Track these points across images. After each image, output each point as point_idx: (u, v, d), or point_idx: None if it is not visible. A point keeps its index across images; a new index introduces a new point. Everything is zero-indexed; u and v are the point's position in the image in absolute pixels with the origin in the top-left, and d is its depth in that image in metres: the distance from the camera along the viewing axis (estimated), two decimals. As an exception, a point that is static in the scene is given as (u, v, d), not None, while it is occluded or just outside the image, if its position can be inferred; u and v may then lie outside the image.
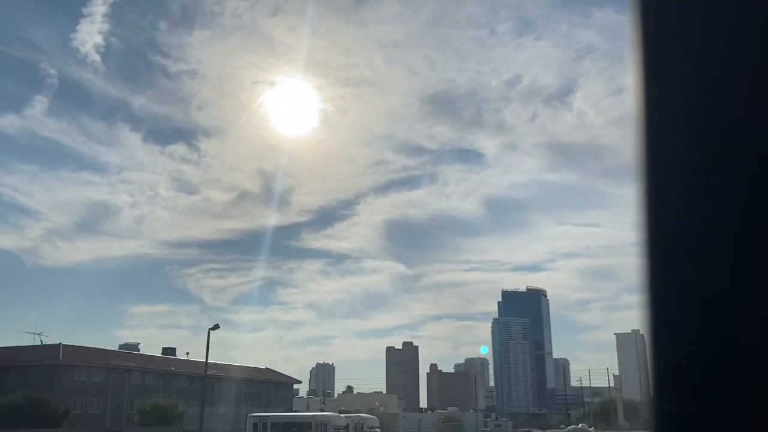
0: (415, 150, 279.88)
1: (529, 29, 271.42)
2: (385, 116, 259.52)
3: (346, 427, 51.61)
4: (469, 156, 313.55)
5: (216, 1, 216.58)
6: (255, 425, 51.87)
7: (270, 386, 75.53)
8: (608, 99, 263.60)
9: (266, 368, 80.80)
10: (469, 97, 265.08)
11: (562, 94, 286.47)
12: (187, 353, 73.23)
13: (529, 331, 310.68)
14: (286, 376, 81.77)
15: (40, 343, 61.10)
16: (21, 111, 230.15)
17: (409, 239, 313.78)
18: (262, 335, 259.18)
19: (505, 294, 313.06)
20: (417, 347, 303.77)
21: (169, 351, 72.74)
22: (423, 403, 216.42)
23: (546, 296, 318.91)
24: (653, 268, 1.02)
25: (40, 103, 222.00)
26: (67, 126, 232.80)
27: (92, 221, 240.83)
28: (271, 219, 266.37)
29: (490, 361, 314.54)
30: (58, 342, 59.49)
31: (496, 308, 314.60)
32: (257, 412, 57.27)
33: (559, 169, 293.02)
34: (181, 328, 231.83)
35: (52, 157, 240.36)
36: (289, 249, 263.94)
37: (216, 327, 43.93)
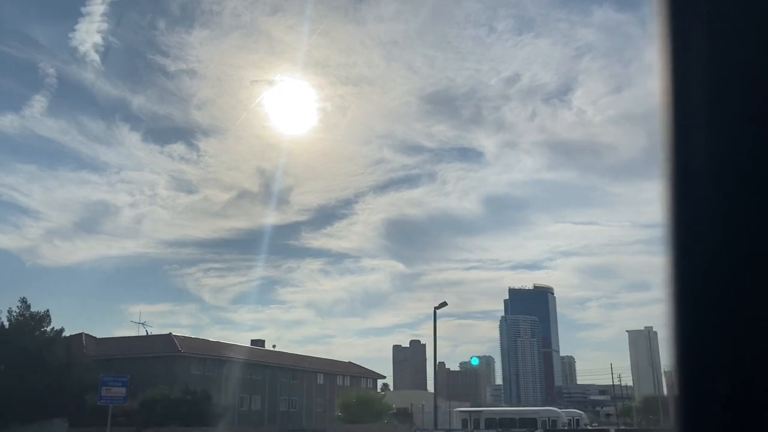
0: (415, 149, 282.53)
1: (528, 27, 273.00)
2: (385, 115, 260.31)
3: (570, 423, 48.41)
4: (468, 154, 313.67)
5: (215, 0, 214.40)
6: (464, 421, 48.23)
7: (357, 381, 72.46)
8: (607, 97, 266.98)
9: (349, 362, 77.75)
10: (469, 96, 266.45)
11: (561, 93, 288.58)
12: (273, 346, 69.98)
13: (537, 328, 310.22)
14: (370, 370, 78.73)
15: (146, 334, 57.49)
16: (20, 110, 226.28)
17: (409, 238, 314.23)
18: (262, 334, 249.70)
19: (512, 292, 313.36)
20: (424, 345, 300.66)
21: (258, 344, 69.20)
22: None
23: (553, 293, 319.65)
24: (678, 267, 1.01)
25: (39, 102, 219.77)
26: (66, 125, 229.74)
27: (91, 221, 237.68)
28: (271, 218, 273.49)
29: (497, 359, 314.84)
30: (167, 332, 56.09)
31: (495, 306, 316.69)
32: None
33: (558, 168, 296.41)
34: (180, 327, 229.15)
35: (51, 156, 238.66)
36: (289, 248, 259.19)
37: (443, 305, 40.13)
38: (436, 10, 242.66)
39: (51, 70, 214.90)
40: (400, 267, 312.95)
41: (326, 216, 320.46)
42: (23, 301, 42.88)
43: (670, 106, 1.04)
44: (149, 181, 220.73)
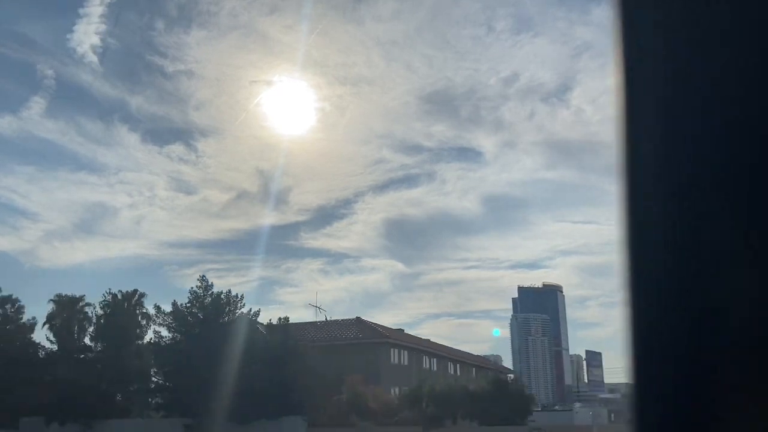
0: (414, 148, 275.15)
1: (526, 27, 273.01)
2: (384, 115, 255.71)
3: None
4: (467, 154, 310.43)
5: (212, 1, 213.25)
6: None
7: (486, 373, 67.67)
8: (606, 96, 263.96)
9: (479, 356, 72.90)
10: (467, 95, 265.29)
11: (560, 92, 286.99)
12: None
13: (548, 327, 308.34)
14: (504, 366, 73.93)
15: (324, 319, 51.72)
16: (18, 112, 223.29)
17: (408, 238, 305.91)
18: None
19: (521, 290, 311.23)
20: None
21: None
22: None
23: (561, 292, 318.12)
24: (633, 267, 1.02)
25: (37, 104, 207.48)
26: (65, 127, 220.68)
27: (90, 222, 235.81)
28: (270, 218, 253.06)
29: (506, 357, 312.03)
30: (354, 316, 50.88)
31: (495, 306, 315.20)
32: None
33: (557, 167, 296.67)
34: None
35: (50, 158, 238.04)
36: (288, 248, 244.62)
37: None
38: (435, 10, 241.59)
39: (49, 72, 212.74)
40: (400, 267, 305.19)
41: (326, 216, 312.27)
42: (202, 279, 38.47)
43: (623, 108, 1.05)
44: (148, 182, 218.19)
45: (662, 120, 1.01)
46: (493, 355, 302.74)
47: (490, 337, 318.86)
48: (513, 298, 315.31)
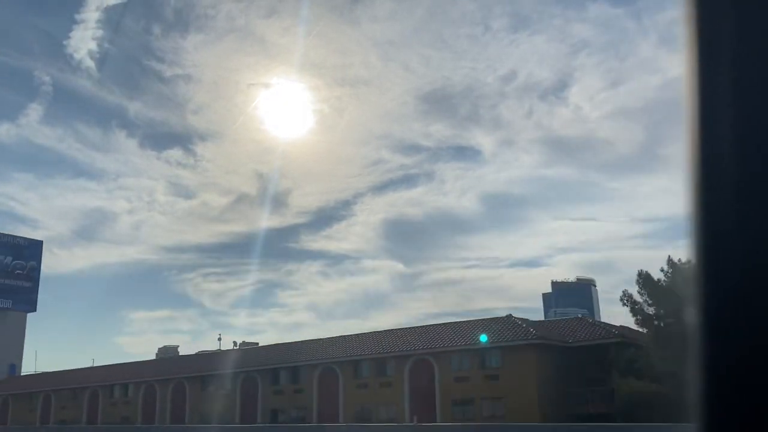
0: (412, 148, 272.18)
1: (523, 25, 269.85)
2: (382, 115, 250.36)
3: None
4: (465, 153, 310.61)
5: (209, 4, 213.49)
6: None
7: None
8: (604, 93, 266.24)
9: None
10: (465, 95, 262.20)
11: (558, 89, 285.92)
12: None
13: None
14: None
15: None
16: (16, 119, 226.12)
17: (408, 238, 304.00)
18: (263, 338, 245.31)
19: (555, 284, 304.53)
20: None
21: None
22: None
23: (595, 286, 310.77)
24: (706, 271, 1.01)
25: (35, 111, 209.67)
26: (63, 133, 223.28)
27: (90, 228, 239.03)
28: (269, 221, 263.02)
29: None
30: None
31: (495, 304, 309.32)
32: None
33: (555, 164, 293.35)
34: (181, 333, 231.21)
35: (48, 164, 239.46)
36: (288, 251, 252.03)
37: None
38: (432, 9, 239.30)
39: (46, 78, 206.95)
40: (400, 267, 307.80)
41: (325, 218, 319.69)
42: None
43: (695, 100, 1.03)
44: (147, 187, 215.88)
45: (737, 119, 0.99)
46: None
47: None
48: (544, 294, 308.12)
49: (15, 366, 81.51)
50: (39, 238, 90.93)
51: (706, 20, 1.04)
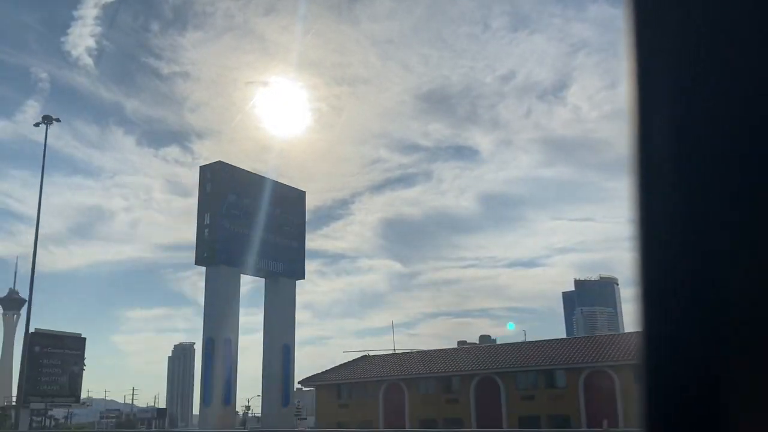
0: (411, 148, 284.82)
1: (523, 24, 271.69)
2: (380, 114, 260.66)
3: None
4: (464, 153, 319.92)
5: (208, 2, 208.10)
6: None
7: None
8: (602, 93, 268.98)
9: None
10: (464, 94, 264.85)
11: (557, 89, 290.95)
12: None
13: (613, 321, 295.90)
14: None
15: None
16: (13, 116, 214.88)
17: (405, 237, 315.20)
18: (258, 337, 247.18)
19: (578, 283, 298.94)
20: (495, 339, 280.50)
21: None
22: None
23: (618, 284, 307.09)
24: (646, 264, 1.02)
25: (32, 108, 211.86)
26: (60, 131, 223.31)
27: (86, 226, 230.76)
28: None
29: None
30: None
31: (492, 304, 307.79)
32: None
33: (554, 164, 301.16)
34: (177, 332, 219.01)
35: (45, 161, 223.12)
36: None
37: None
38: (431, 8, 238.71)
39: (44, 75, 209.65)
40: (397, 266, 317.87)
41: (323, 217, 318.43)
42: None
43: (635, 103, 1.04)
44: (144, 185, 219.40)
45: (675, 113, 1.00)
46: None
47: (489, 334, 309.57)
48: (564, 292, 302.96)
49: (289, 347, 63.55)
50: (301, 189, 72.08)
51: (644, 23, 1.04)
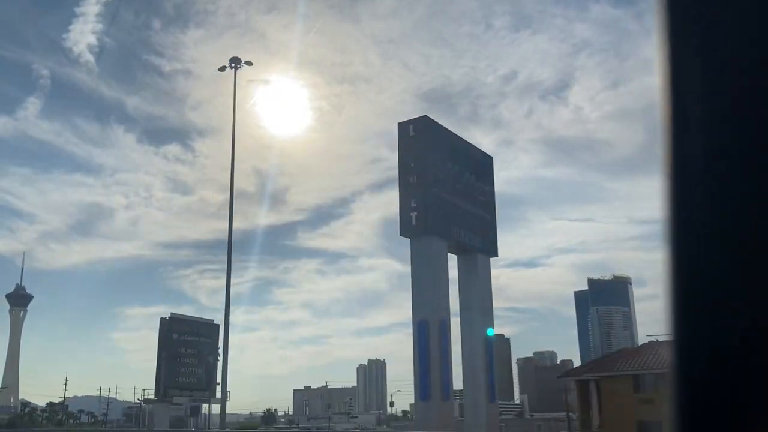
0: None
1: (525, 24, 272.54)
2: (381, 113, 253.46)
3: None
4: None
5: (209, 0, 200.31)
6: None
7: None
8: (604, 93, 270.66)
9: None
10: (465, 93, 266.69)
11: (558, 89, 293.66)
12: None
13: (628, 320, 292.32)
14: None
15: None
16: (13, 113, 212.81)
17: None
18: (257, 335, 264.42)
19: (592, 282, 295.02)
20: (509, 339, 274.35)
21: None
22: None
23: (631, 284, 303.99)
24: (678, 266, 1.00)
25: (32, 104, 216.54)
26: (60, 128, 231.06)
27: (86, 223, 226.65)
28: (267, 218, 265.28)
29: (566, 352, 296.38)
30: None
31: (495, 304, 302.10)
32: None
33: (554, 165, 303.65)
34: None
35: (46, 159, 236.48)
36: (285, 248, 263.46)
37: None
38: (432, 7, 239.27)
39: (45, 72, 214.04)
40: (397, 266, 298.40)
41: (323, 215, 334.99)
42: None
43: (668, 102, 1.03)
44: (144, 182, 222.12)
45: (709, 114, 0.99)
46: (548, 351, 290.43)
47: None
48: (576, 292, 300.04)
49: (489, 337, 54.58)
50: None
51: (677, 19, 1.04)
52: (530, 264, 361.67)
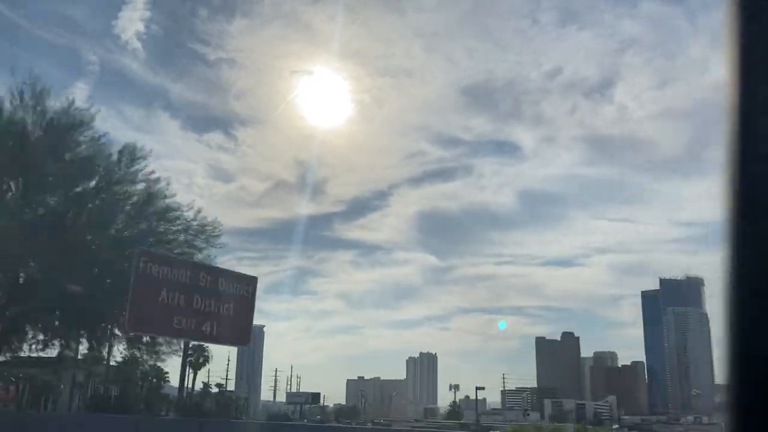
0: (451, 142, 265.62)
1: (571, 19, 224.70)
2: (422, 107, 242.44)
3: None
4: (505, 148, 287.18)
5: None
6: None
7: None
8: (650, 92, 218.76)
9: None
10: (508, 89, 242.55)
11: (603, 87, 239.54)
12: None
13: (705, 324, 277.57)
14: None
15: None
16: (61, 98, 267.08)
17: (442, 231, 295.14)
18: (292, 324, 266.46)
19: (664, 282, 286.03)
20: (578, 338, 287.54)
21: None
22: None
23: (704, 285, 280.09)
24: (740, 267, 1.00)
25: (80, 90, 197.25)
26: (106, 113, 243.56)
27: None
28: (306, 209, 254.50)
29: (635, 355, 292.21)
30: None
31: (526, 303, 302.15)
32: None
33: (596, 163, 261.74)
34: None
35: None
36: (322, 239, 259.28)
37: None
38: (478, 1, 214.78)
39: (93, 57, 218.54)
40: (432, 260, 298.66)
41: (360, 208, 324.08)
42: None
43: (736, 105, 1.02)
44: (186, 169, 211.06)
45: None
46: (609, 352, 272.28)
47: (523, 333, 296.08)
48: (643, 291, 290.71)
49: None
50: None
51: (749, 20, 1.02)
52: (567, 263, 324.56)
